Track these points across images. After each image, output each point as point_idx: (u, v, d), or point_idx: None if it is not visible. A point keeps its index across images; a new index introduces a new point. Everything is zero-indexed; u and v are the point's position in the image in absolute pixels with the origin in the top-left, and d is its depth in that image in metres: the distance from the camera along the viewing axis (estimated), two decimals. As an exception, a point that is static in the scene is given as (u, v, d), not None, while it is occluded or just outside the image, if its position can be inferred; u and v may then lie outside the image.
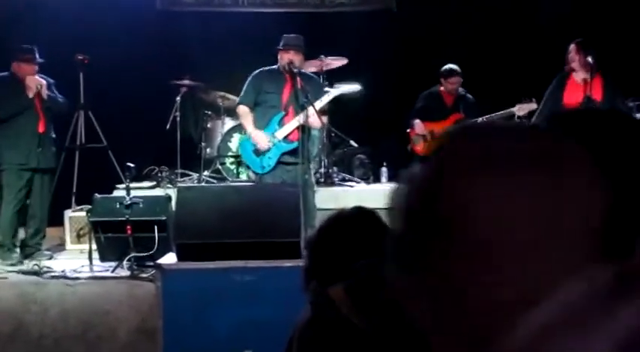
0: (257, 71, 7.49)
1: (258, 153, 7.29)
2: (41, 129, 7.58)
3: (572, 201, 0.89)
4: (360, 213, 2.53)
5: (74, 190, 8.92)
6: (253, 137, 7.29)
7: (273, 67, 7.42)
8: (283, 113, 7.31)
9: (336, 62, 8.86)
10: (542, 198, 0.88)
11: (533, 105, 8.03)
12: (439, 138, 0.96)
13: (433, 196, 0.90)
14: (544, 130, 1.00)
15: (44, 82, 7.63)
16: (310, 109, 7.08)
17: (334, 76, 8.66)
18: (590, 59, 7.42)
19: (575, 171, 0.91)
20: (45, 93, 7.59)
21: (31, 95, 7.51)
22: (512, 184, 0.88)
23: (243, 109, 7.44)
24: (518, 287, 0.88)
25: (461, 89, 8.78)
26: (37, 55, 7.70)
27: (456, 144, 0.94)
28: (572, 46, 7.61)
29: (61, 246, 8.23)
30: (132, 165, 7.09)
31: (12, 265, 7.20)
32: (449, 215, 0.89)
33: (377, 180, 9.19)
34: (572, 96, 7.50)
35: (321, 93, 7.46)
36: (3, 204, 7.55)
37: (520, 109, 8.13)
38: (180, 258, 5.40)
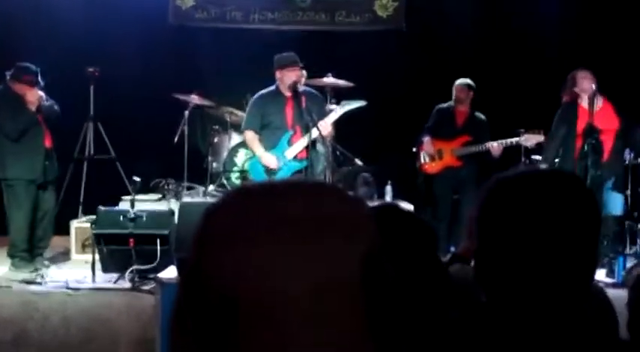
0: (257, 95, 7.53)
1: (269, 174, 7.35)
2: (48, 143, 7.58)
3: (329, 257, 0.93)
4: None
5: (81, 201, 9.02)
6: (263, 159, 7.34)
7: (271, 88, 7.45)
8: (291, 132, 7.37)
9: (343, 83, 8.90)
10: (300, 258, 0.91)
11: (541, 138, 8.04)
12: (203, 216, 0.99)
13: (199, 269, 0.95)
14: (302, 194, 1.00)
15: (43, 94, 7.54)
16: (319, 126, 7.13)
17: (341, 94, 8.72)
18: (594, 86, 7.45)
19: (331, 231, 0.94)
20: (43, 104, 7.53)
21: (33, 109, 7.43)
22: (263, 251, 0.91)
23: (249, 134, 7.49)
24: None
25: (474, 110, 8.77)
26: (39, 76, 7.48)
27: (210, 220, 0.97)
28: (579, 73, 7.61)
29: (66, 256, 8.31)
30: (138, 178, 7.17)
31: (29, 274, 7.24)
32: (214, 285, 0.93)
33: (381, 198, 9.23)
34: (581, 124, 7.52)
35: (324, 110, 7.53)
36: (14, 216, 7.52)
37: (527, 140, 8.14)
38: (180, 271, 5.47)
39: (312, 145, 7.34)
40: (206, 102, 9.25)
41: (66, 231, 8.37)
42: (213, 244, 0.94)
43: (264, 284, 0.91)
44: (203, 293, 0.94)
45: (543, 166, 7.58)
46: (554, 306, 1.50)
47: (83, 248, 8.19)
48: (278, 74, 7.37)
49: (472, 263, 1.62)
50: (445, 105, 8.85)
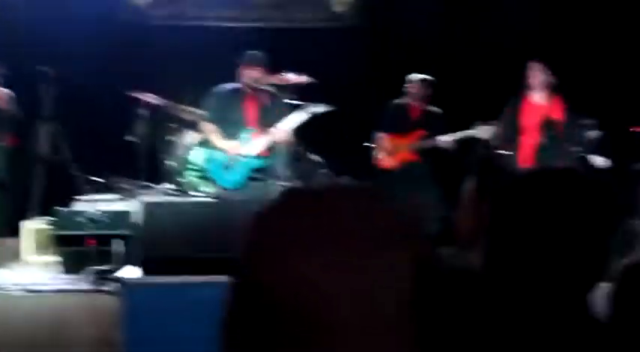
0: (218, 89, 7.53)
1: (226, 168, 7.33)
2: (11, 141, 7.49)
3: (385, 274, 0.93)
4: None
5: (35, 201, 8.88)
6: (224, 147, 7.31)
7: (236, 84, 7.46)
8: (251, 130, 7.36)
9: (299, 80, 8.88)
10: (357, 274, 0.91)
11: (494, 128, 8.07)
12: (259, 216, 0.97)
13: (251, 277, 0.94)
14: (359, 198, 1.00)
15: (6, 90, 7.47)
16: (277, 127, 7.14)
17: (298, 92, 8.71)
18: (549, 79, 7.51)
19: (387, 243, 0.94)
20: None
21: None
22: (327, 259, 0.91)
23: (209, 127, 7.48)
24: None
25: (429, 104, 8.82)
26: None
27: (262, 226, 0.97)
28: (531, 65, 7.65)
29: (19, 258, 8.17)
30: (97, 179, 7.11)
31: None
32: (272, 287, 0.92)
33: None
34: (530, 118, 7.56)
35: (285, 110, 7.52)
36: None
37: (482, 131, 8.15)
38: (146, 272, 5.44)
39: (272, 143, 7.34)
40: (161, 101, 9.17)
41: (19, 233, 8.23)
42: (268, 252, 0.93)
43: (317, 294, 0.91)
44: (255, 301, 0.93)
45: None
46: (564, 305, 1.50)
47: (39, 249, 8.06)
48: (240, 71, 7.37)
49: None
50: (399, 100, 8.90)
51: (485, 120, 8.19)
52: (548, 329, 1.47)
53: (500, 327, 1.49)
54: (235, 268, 0.97)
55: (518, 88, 7.83)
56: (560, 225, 1.48)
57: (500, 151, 7.65)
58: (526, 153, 7.49)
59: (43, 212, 8.26)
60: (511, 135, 7.70)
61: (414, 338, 0.93)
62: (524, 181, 1.57)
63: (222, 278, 5.25)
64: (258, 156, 7.36)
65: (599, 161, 7.35)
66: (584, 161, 7.36)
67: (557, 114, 7.56)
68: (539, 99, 7.58)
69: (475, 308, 1.53)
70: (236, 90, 7.43)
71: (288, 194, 0.99)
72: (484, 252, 1.56)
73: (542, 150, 7.38)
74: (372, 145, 8.87)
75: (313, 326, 0.91)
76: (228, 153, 7.31)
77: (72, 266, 6.93)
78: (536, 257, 1.49)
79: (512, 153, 7.59)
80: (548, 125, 7.36)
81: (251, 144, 7.34)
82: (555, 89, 7.60)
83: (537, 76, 7.57)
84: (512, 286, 1.51)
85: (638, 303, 1.91)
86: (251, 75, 7.27)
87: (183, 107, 9.24)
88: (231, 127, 7.40)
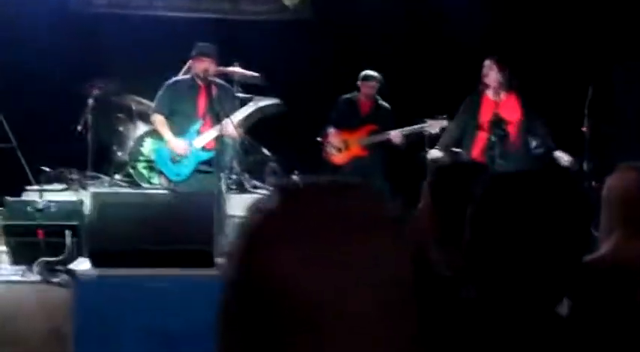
0: (171, 81, 7.55)
1: (174, 160, 7.34)
2: None
3: (381, 256, 0.94)
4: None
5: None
6: (172, 144, 7.33)
7: (187, 76, 7.48)
8: (201, 122, 7.38)
9: (249, 73, 8.90)
10: (350, 260, 0.92)
11: (445, 123, 8.09)
12: (249, 215, 1.00)
13: (248, 268, 0.95)
14: (349, 190, 1.01)
15: None
16: (227, 119, 7.16)
17: (248, 85, 8.74)
18: (504, 76, 7.56)
19: (381, 232, 0.96)
20: None
21: None
22: (320, 251, 0.92)
23: (159, 118, 7.48)
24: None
25: (379, 99, 8.90)
26: None
27: (260, 219, 0.98)
28: (486, 62, 7.65)
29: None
30: (47, 168, 7.06)
31: None
32: (268, 285, 0.93)
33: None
34: (484, 115, 7.62)
35: (235, 103, 7.55)
36: None
37: (431, 126, 8.20)
38: (94, 264, 5.42)
39: (220, 136, 7.36)
40: (110, 90, 9.11)
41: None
42: (265, 244, 0.94)
43: (314, 285, 0.91)
44: (253, 294, 0.94)
45: (437, 153, 7.74)
46: (543, 302, 1.58)
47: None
48: (191, 63, 7.39)
49: None
50: (349, 95, 8.96)
51: (433, 114, 8.26)
52: (522, 328, 1.55)
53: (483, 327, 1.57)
54: (227, 266, 1.00)
55: (475, 85, 7.85)
56: (538, 225, 1.57)
57: (451, 149, 7.71)
58: (478, 150, 7.54)
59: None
60: (463, 132, 7.74)
61: (409, 336, 0.95)
62: (504, 183, 1.65)
63: (172, 271, 5.29)
64: (206, 149, 7.38)
65: (564, 159, 7.40)
66: (551, 159, 7.42)
67: (512, 111, 7.61)
68: (493, 96, 7.61)
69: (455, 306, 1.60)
70: (188, 82, 7.44)
71: (284, 187, 1.01)
72: (466, 246, 1.63)
73: (489, 148, 7.43)
74: (322, 140, 8.92)
75: (300, 324, 0.92)
76: (175, 150, 7.33)
77: (21, 257, 6.86)
78: (515, 254, 1.57)
79: (462, 150, 7.63)
80: (496, 123, 7.41)
81: (200, 137, 7.36)
82: (512, 86, 7.64)
83: (492, 73, 7.59)
84: (492, 281, 1.59)
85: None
86: (202, 67, 7.28)
87: (133, 97, 9.21)
88: (182, 119, 7.41)
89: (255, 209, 0.99)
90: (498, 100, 7.58)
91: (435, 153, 7.76)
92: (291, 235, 0.94)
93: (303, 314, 0.92)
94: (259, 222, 0.97)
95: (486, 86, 7.68)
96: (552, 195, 1.61)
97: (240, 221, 1.02)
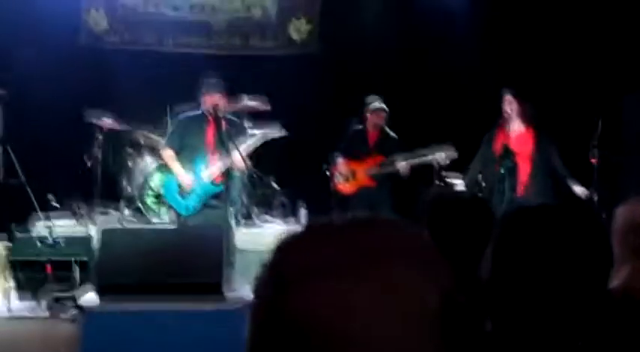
0: (182, 116, 7.59)
1: (182, 194, 7.35)
2: None
3: (408, 289, 0.95)
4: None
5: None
6: (180, 178, 7.34)
7: (197, 111, 7.49)
8: (210, 155, 7.39)
9: (258, 105, 8.93)
10: (380, 293, 0.93)
11: (453, 153, 8.14)
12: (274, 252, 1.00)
13: (279, 306, 0.95)
14: (370, 227, 1.02)
15: None
16: (236, 153, 7.17)
17: (257, 118, 8.76)
18: (523, 110, 7.55)
19: (407, 264, 0.96)
20: None
21: None
22: (348, 285, 0.92)
23: (168, 153, 7.50)
24: None
25: (386, 129, 8.90)
26: None
27: (288, 255, 0.99)
28: (507, 97, 7.62)
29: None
30: (57, 204, 7.06)
31: None
32: (300, 322, 0.93)
33: (296, 219, 9.28)
34: (498, 147, 7.57)
35: (245, 137, 7.55)
36: None
37: (438, 156, 8.23)
38: (102, 299, 5.39)
39: (228, 169, 7.37)
40: (119, 126, 9.15)
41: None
42: (293, 280, 0.94)
43: (343, 320, 0.92)
44: (281, 331, 0.94)
45: (460, 185, 7.70)
46: (562, 338, 1.57)
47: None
48: (202, 98, 7.42)
49: None
50: (357, 126, 8.97)
51: (440, 144, 8.27)
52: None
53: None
54: (257, 299, 0.99)
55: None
56: (564, 260, 1.56)
57: (478, 183, 7.61)
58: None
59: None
60: (484, 166, 7.65)
61: None
62: (527, 218, 1.64)
63: (180, 305, 5.26)
64: (215, 183, 7.39)
65: (578, 190, 7.37)
66: (567, 190, 7.36)
67: (524, 144, 7.58)
68: (508, 129, 7.61)
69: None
70: (198, 117, 7.47)
71: (309, 224, 1.02)
72: (486, 280, 1.62)
73: (498, 181, 7.38)
74: (330, 170, 8.92)
75: (343, 348, 0.92)
76: (182, 184, 7.34)
77: (29, 291, 6.85)
78: (541, 288, 1.56)
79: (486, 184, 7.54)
80: (505, 154, 7.37)
81: (208, 170, 7.37)
82: (531, 120, 7.61)
83: (511, 106, 7.56)
84: (514, 315, 1.58)
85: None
86: (212, 101, 7.31)
87: (142, 132, 9.24)
88: (191, 153, 7.42)
89: (280, 247, 0.99)
90: (512, 133, 7.55)
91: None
92: (320, 271, 0.94)
93: (333, 347, 0.92)
94: (288, 260, 0.97)
95: (505, 120, 7.64)
96: (576, 230, 1.60)
97: (264, 259, 1.01)
